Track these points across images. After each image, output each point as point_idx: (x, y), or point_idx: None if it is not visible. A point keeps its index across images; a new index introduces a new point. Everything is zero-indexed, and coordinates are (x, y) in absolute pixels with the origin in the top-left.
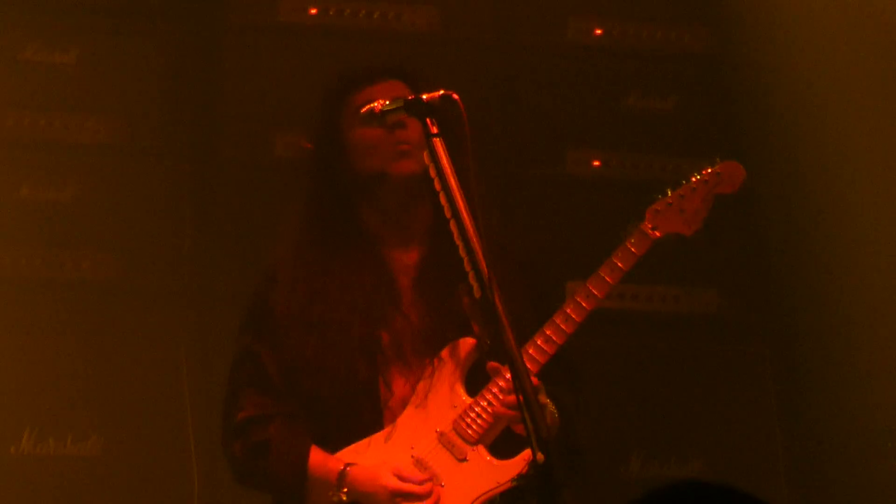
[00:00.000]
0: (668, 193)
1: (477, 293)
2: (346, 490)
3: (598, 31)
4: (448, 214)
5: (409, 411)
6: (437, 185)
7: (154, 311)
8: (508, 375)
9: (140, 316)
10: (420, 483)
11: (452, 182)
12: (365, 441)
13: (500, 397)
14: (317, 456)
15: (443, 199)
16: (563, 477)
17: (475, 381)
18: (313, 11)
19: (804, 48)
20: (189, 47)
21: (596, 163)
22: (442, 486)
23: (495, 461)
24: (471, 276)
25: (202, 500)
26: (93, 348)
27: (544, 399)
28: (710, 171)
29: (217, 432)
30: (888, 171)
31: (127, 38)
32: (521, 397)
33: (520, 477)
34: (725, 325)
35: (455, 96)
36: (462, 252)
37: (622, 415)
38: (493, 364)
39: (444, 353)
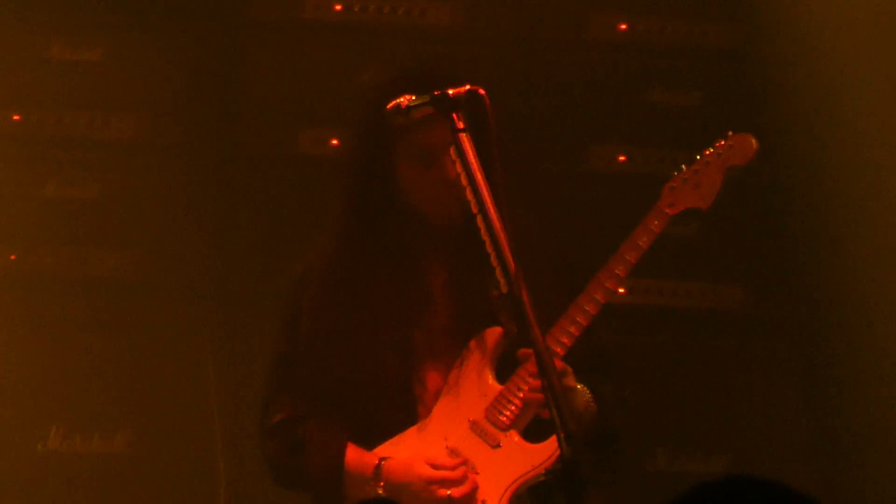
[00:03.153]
0: (682, 169)
1: (504, 288)
2: (382, 483)
3: (622, 27)
4: (474, 209)
5: (441, 403)
6: (464, 181)
7: (179, 308)
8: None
9: (165, 313)
10: (453, 468)
11: (479, 177)
12: (398, 437)
13: (530, 382)
14: (353, 452)
15: (469, 195)
16: (588, 471)
17: (506, 370)
18: (338, 7)
19: (829, 43)
20: (213, 44)
21: (621, 158)
22: (477, 474)
23: (528, 445)
24: (497, 271)
25: (229, 496)
26: (118, 345)
27: (572, 382)
28: (722, 143)
29: (243, 428)
30: None
31: (151, 35)
32: (547, 393)
33: (547, 472)
34: (750, 321)
35: (481, 92)
36: (489, 247)
37: (648, 409)
38: (524, 350)
39: (472, 343)
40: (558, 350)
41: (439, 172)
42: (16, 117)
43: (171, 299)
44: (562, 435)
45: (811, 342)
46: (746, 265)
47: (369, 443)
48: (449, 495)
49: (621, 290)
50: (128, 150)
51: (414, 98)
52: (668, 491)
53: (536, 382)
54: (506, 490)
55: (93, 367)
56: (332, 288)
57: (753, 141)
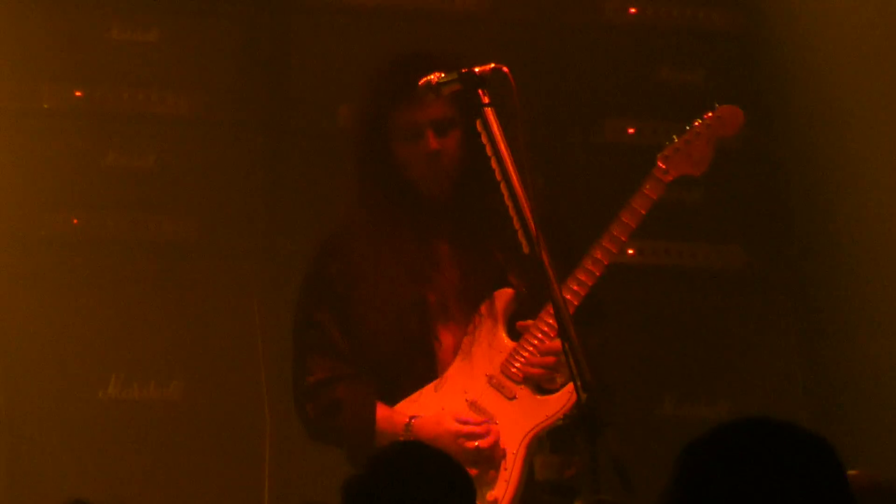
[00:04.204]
0: (674, 139)
1: (525, 249)
2: (412, 439)
3: (633, 10)
4: (499, 177)
5: (457, 362)
6: (489, 151)
7: (229, 269)
8: (550, 321)
9: (217, 273)
10: (479, 424)
11: (503, 148)
12: (418, 393)
13: (541, 338)
14: (383, 412)
15: (494, 164)
16: (606, 415)
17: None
18: None
19: (823, 23)
20: (261, 26)
21: (631, 130)
22: (496, 424)
23: (542, 397)
24: (519, 233)
25: (274, 437)
26: (174, 302)
27: None
28: (710, 115)
29: (287, 377)
30: None
31: (204, 18)
32: (566, 343)
33: (565, 416)
34: (750, 279)
35: (505, 69)
36: (511, 211)
37: (656, 361)
38: (521, 323)
39: (483, 307)
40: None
41: (424, 145)
42: (78, 93)
43: (223, 260)
44: (578, 382)
45: (807, 298)
46: (747, 227)
47: (393, 397)
48: (477, 447)
49: (630, 251)
50: (182, 124)
51: (443, 75)
52: (675, 433)
53: (548, 343)
54: (523, 438)
55: (150, 322)
56: (351, 257)
57: (740, 112)
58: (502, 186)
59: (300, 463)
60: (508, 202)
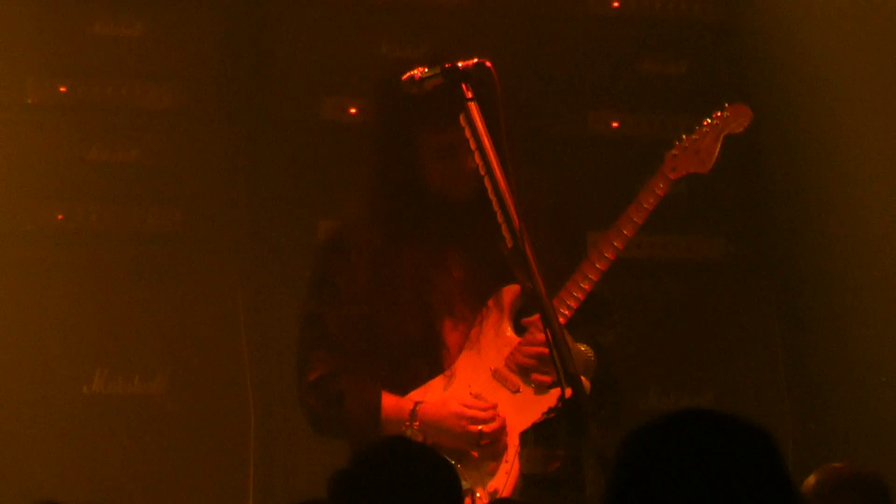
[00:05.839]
0: (683, 139)
1: (509, 243)
2: (417, 423)
3: (616, 3)
4: (482, 171)
5: (463, 356)
6: (473, 145)
7: (213, 260)
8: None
9: (200, 265)
10: (484, 409)
11: (486, 142)
12: (424, 387)
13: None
14: (388, 399)
15: (477, 158)
16: (589, 408)
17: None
18: None
19: (808, 15)
20: (244, 19)
21: (615, 123)
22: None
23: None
24: (503, 227)
25: (259, 431)
26: (158, 295)
27: (574, 345)
28: (719, 114)
29: (271, 370)
30: (888, 122)
31: (187, 11)
32: (549, 334)
33: (550, 410)
34: (734, 270)
35: (488, 64)
36: (495, 206)
37: (641, 353)
38: (526, 319)
39: (490, 302)
40: (573, 304)
41: (460, 165)
42: (62, 88)
43: (206, 252)
44: (562, 375)
45: (789, 288)
46: (730, 219)
47: (400, 394)
48: (480, 430)
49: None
50: (165, 117)
51: (426, 70)
52: None
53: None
54: (525, 430)
55: (134, 316)
56: (358, 255)
57: (749, 111)
58: (486, 181)
59: (285, 456)
60: (492, 196)
